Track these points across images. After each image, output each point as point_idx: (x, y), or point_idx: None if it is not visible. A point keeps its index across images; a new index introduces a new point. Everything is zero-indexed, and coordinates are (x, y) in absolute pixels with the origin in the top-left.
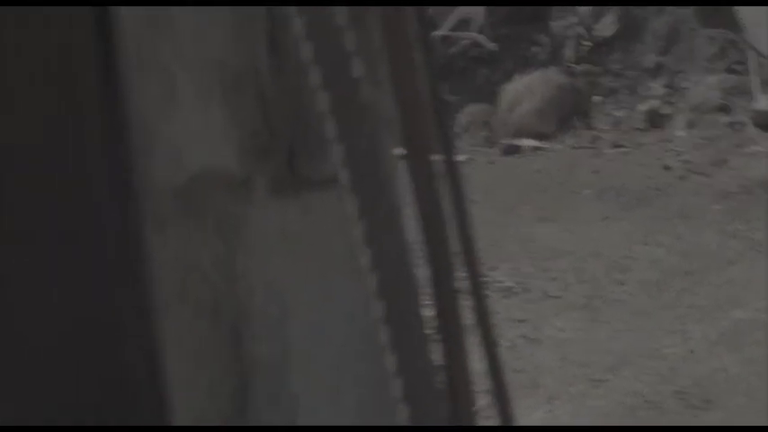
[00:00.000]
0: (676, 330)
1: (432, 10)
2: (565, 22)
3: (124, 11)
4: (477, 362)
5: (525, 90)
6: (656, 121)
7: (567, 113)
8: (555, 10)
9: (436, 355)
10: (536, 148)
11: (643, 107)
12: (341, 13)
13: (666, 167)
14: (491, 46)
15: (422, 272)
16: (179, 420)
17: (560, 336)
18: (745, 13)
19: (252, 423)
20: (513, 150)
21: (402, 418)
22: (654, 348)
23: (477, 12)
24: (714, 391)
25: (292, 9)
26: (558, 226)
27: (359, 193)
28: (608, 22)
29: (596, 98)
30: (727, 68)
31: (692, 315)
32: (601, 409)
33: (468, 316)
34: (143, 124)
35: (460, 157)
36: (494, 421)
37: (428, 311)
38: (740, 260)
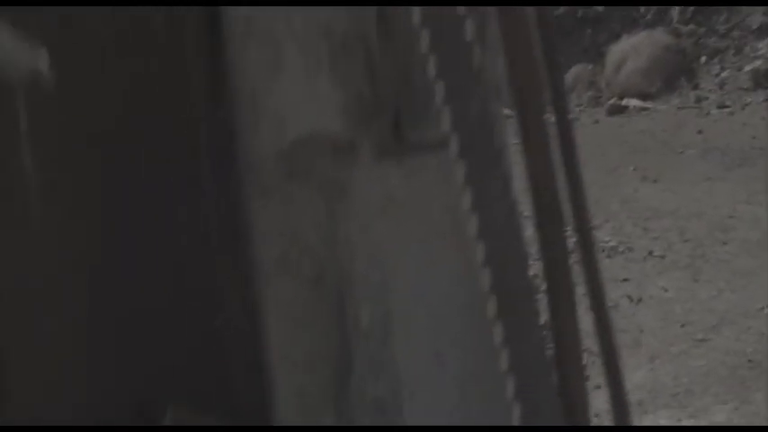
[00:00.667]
0: None
1: None
2: None
3: None
4: (585, 324)
5: (631, 50)
6: (761, 81)
7: (673, 74)
8: None
9: (545, 319)
10: (641, 109)
11: (749, 67)
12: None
13: None
14: (598, 7)
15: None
16: (280, 393)
17: (663, 295)
18: None
19: (354, 392)
20: (618, 110)
21: (509, 391)
22: (756, 308)
23: None
24: None
25: None
26: (661, 186)
27: (468, 159)
28: None
29: (702, 59)
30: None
31: None
32: (702, 368)
33: (577, 277)
34: (249, 94)
35: None
36: (602, 382)
37: (538, 272)
38: None
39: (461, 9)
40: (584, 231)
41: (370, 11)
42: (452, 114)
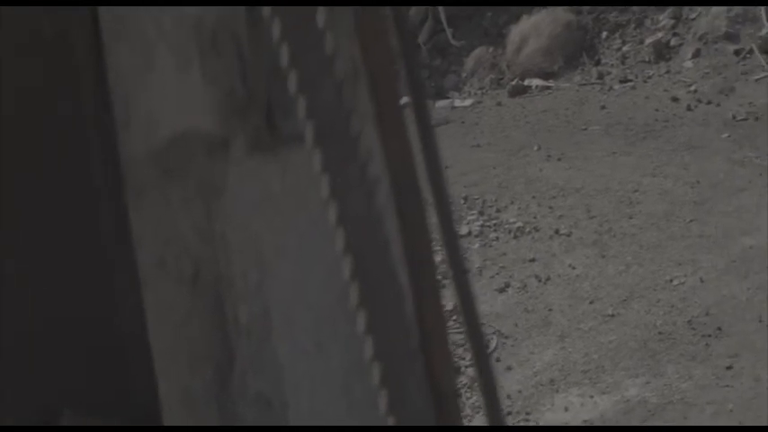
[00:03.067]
0: (686, 261)
1: None
2: None
3: None
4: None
5: (532, 30)
6: (663, 53)
7: (574, 51)
8: None
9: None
10: (543, 88)
11: (650, 40)
12: None
13: (674, 99)
14: None
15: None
16: (164, 393)
17: (571, 273)
18: None
19: (237, 390)
20: (520, 91)
21: (375, 378)
22: (664, 280)
23: None
24: (725, 318)
25: None
26: (566, 164)
27: (324, 147)
28: None
29: (603, 34)
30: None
31: (702, 245)
32: (612, 343)
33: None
34: (122, 93)
35: (468, 101)
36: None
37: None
38: (749, 187)
39: None
40: (445, 216)
41: (240, 6)
42: (306, 103)
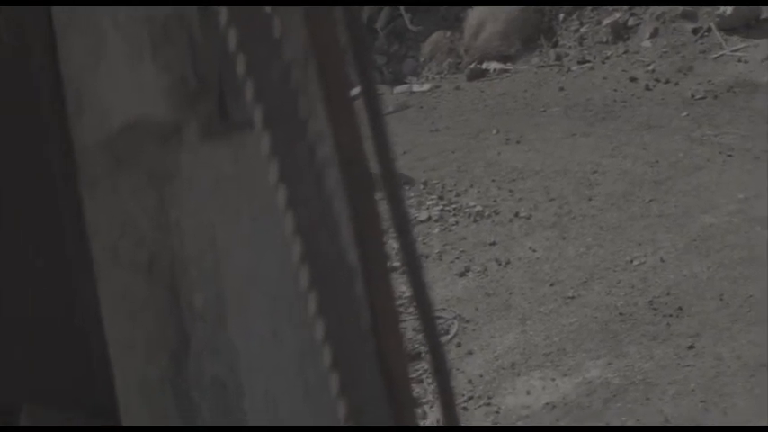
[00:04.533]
0: (646, 241)
1: None
2: None
3: None
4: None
5: (489, 14)
6: (621, 33)
7: (532, 34)
8: None
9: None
10: (501, 71)
11: (607, 20)
12: None
13: (632, 79)
14: None
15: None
16: (120, 381)
17: (531, 256)
18: None
19: (193, 376)
20: (478, 75)
21: (326, 362)
22: (625, 261)
23: None
24: (686, 298)
25: None
26: (524, 147)
27: (272, 130)
28: None
29: (560, 16)
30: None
31: (662, 224)
32: (573, 325)
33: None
34: (75, 84)
35: (426, 86)
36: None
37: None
38: (708, 166)
39: None
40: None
41: None
42: (254, 86)
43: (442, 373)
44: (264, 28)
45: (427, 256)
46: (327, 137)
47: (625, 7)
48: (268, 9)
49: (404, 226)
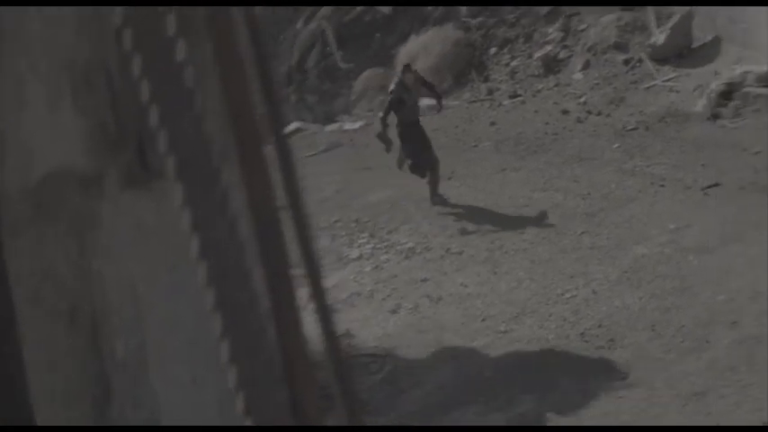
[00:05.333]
0: (578, 273)
1: None
2: None
3: None
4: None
5: (421, 49)
6: (552, 66)
7: (464, 68)
8: None
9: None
10: (434, 107)
11: (539, 54)
12: (169, 17)
13: (564, 112)
14: (386, 10)
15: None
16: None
17: (463, 291)
18: None
19: (115, 422)
20: None
21: (239, 406)
22: (556, 294)
23: None
24: (618, 329)
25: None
26: (456, 182)
27: (185, 180)
28: None
29: (492, 50)
30: (623, 6)
31: (594, 256)
32: (505, 359)
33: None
34: None
35: (358, 123)
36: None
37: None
38: (640, 197)
39: (172, 29)
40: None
41: (110, 41)
42: (167, 137)
43: (351, 411)
44: (177, 79)
45: (359, 294)
46: (240, 185)
47: (557, 40)
48: (180, 58)
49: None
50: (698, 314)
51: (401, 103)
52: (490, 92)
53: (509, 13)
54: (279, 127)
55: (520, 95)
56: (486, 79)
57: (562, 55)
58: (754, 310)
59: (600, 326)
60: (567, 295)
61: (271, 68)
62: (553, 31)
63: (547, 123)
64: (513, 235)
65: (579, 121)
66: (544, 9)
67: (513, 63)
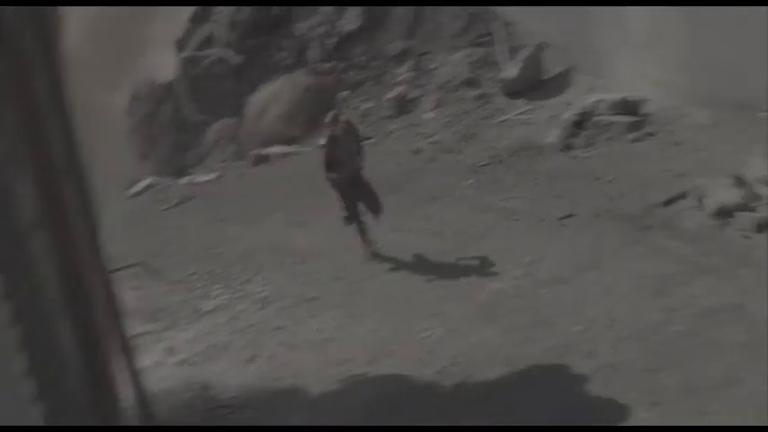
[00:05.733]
0: (434, 312)
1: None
2: (308, 23)
3: None
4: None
5: (271, 97)
6: (403, 106)
7: (315, 114)
8: (299, 12)
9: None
10: (285, 154)
11: (390, 95)
12: None
13: (416, 151)
14: (236, 59)
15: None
16: None
17: (318, 337)
18: None
19: None
20: (262, 160)
21: None
22: (413, 334)
23: (220, 28)
24: (474, 365)
25: None
26: (309, 228)
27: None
28: (352, 17)
29: (343, 94)
30: (474, 42)
31: (449, 294)
32: (363, 403)
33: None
34: None
35: (210, 175)
36: None
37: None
38: (494, 232)
39: None
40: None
41: None
42: None
43: None
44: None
45: (215, 346)
46: (49, 251)
47: (408, 80)
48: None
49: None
50: (553, 345)
51: (336, 157)
52: None
53: (359, 55)
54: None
55: (372, 137)
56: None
57: (413, 95)
58: (610, 338)
59: (456, 363)
60: (424, 335)
61: (74, 137)
62: (403, 72)
63: (399, 164)
64: (368, 278)
65: (431, 160)
66: (394, 50)
67: (365, 106)
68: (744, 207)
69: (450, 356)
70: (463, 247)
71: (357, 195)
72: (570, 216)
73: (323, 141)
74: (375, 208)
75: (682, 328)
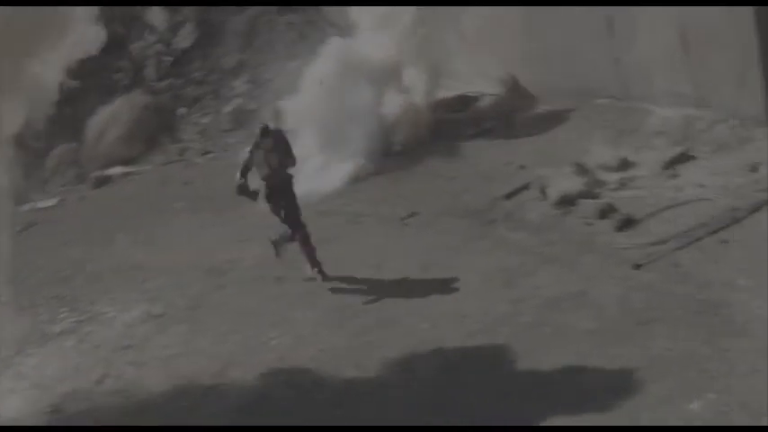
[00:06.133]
0: (282, 320)
1: None
2: (144, 42)
3: None
4: None
5: (110, 119)
6: (241, 120)
7: (154, 132)
8: (133, 31)
9: None
10: (126, 174)
11: (228, 108)
12: None
13: None
14: (72, 84)
15: None
16: None
17: (165, 353)
18: None
19: None
20: (103, 182)
21: None
22: (261, 342)
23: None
24: (323, 370)
25: None
26: (153, 246)
27: None
28: (186, 33)
29: (181, 110)
30: (310, 50)
31: (297, 301)
32: (211, 417)
33: None
34: None
35: (52, 201)
36: None
37: None
38: (339, 236)
39: None
40: None
41: None
42: None
43: None
44: None
45: (64, 368)
46: None
47: (245, 92)
48: None
49: None
50: (402, 345)
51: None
52: (182, 152)
53: (196, 71)
54: None
55: (211, 152)
56: (177, 140)
57: (251, 107)
58: (460, 333)
59: (305, 370)
60: (273, 343)
61: None
62: (240, 84)
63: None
64: (213, 291)
65: None
66: (230, 63)
67: (204, 121)
68: (587, 194)
69: (301, 362)
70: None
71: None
72: (413, 215)
73: (247, 151)
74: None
75: (529, 318)
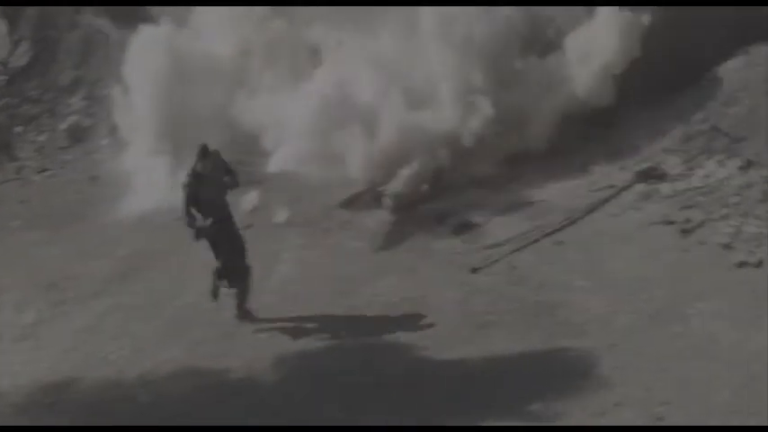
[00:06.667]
0: (122, 334)
1: None
2: None
3: None
4: None
5: None
6: (78, 135)
7: None
8: None
9: None
10: None
11: (64, 125)
12: None
13: (93, 178)
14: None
15: None
16: None
17: (8, 370)
18: None
19: None
20: None
21: None
22: (100, 357)
23: None
24: (163, 382)
25: None
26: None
27: None
28: (22, 51)
29: (17, 129)
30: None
31: (136, 315)
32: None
33: None
34: None
35: None
36: None
37: None
38: (178, 253)
39: None
40: None
41: None
42: None
43: None
44: None
45: None
46: None
47: (81, 109)
48: None
49: None
50: (241, 355)
51: (198, 196)
52: (18, 171)
53: (32, 89)
54: None
55: (49, 169)
56: (14, 158)
57: (87, 123)
58: (298, 345)
59: (144, 384)
60: (113, 356)
61: None
62: (76, 101)
63: (78, 193)
64: (52, 307)
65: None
66: (65, 81)
67: (40, 138)
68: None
69: (140, 374)
70: (143, 268)
71: (224, 246)
72: (250, 227)
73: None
74: (237, 278)
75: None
